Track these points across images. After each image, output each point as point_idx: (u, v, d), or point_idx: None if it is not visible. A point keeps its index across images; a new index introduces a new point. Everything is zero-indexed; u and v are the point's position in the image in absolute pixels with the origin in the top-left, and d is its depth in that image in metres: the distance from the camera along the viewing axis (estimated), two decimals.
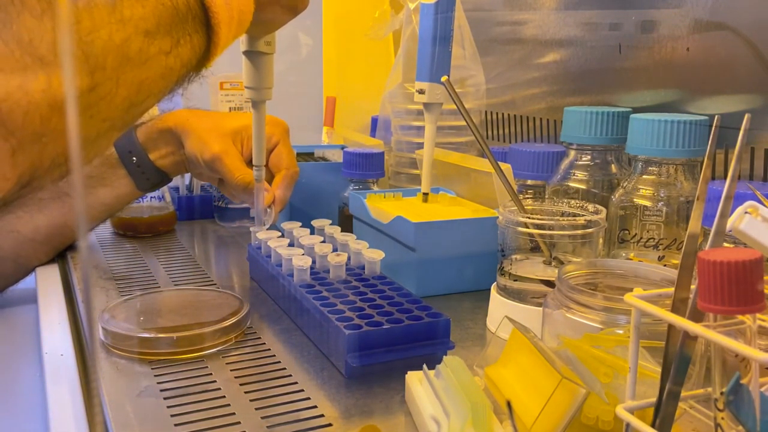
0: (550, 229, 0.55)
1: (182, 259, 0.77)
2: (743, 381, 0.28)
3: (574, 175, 0.67)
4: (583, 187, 0.66)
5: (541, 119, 0.87)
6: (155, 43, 0.39)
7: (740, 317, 0.29)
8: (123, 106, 0.38)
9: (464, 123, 0.64)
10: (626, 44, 0.72)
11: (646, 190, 0.58)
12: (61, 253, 0.76)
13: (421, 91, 0.72)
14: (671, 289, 0.32)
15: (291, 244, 0.64)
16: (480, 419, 0.37)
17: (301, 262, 0.57)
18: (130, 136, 0.75)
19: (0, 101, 0.32)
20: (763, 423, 0.27)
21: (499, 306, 0.57)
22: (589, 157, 0.67)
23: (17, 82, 0.33)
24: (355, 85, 1.33)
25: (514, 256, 0.57)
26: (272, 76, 0.63)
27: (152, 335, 0.52)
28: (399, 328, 0.49)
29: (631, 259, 0.59)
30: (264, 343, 0.55)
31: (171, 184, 0.82)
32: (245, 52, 0.61)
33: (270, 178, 0.75)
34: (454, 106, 0.64)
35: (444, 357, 0.43)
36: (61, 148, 0.36)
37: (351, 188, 0.81)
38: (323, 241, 0.63)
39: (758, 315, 0.30)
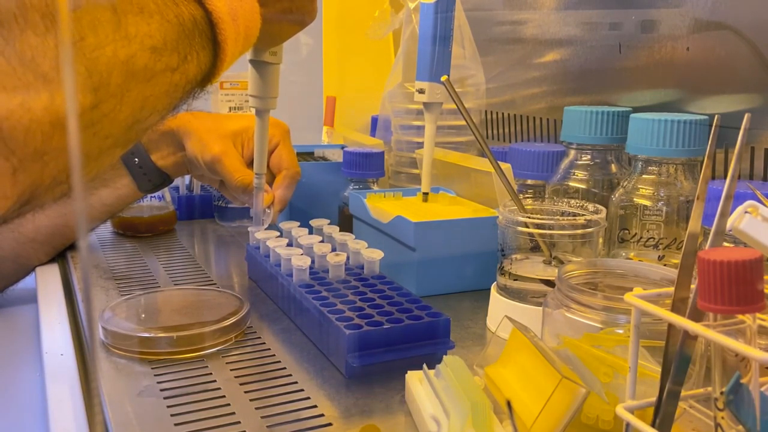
0: (550, 229, 0.55)
1: (182, 258, 0.77)
2: (743, 380, 0.28)
3: (574, 174, 0.67)
4: (583, 186, 0.66)
5: (541, 119, 0.87)
6: (162, 59, 0.38)
7: (740, 317, 0.29)
8: (126, 123, 0.38)
9: (464, 122, 0.64)
10: (626, 44, 0.72)
11: (646, 189, 0.58)
12: (61, 253, 0.76)
13: (421, 91, 0.72)
14: (671, 289, 0.32)
15: (290, 244, 0.64)
16: (480, 419, 0.37)
17: (300, 261, 0.57)
18: None
19: (1, 119, 0.32)
20: (763, 423, 0.27)
21: (499, 306, 0.57)
22: (589, 156, 0.66)
23: (19, 100, 0.32)
24: (355, 85, 1.33)
25: (514, 256, 0.57)
26: (277, 86, 0.62)
27: (152, 335, 0.52)
28: (399, 328, 0.49)
29: (631, 259, 0.59)
30: (264, 343, 0.55)
31: (171, 184, 0.82)
32: (251, 62, 0.61)
33: (271, 179, 0.75)
34: (454, 106, 0.64)
35: (444, 357, 0.43)
36: (63, 166, 0.35)
37: (351, 188, 0.81)
38: (322, 241, 0.63)
39: (758, 315, 0.30)
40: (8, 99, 0.32)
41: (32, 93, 0.33)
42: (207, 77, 0.43)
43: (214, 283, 0.69)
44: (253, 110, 0.64)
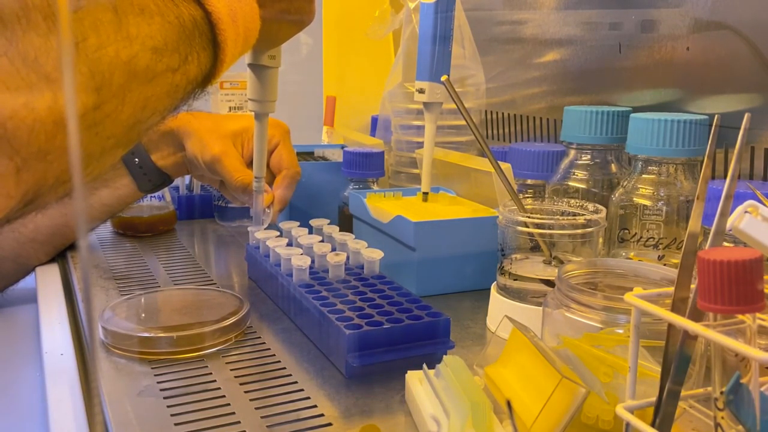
0: (550, 229, 0.55)
1: (182, 258, 0.77)
2: (743, 380, 0.28)
3: (574, 174, 0.67)
4: (583, 186, 0.66)
5: (541, 119, 0.87)
6: (163, 60, 0.39)
7: (740, 317, 0.29)
8: (128, 123, 0.38)
9: (464, 122, 0.64)
10: (626, 44, 0.72)
11: (646, 189, 0.58)
12: (61, 253, 0.76)
13: (421, 91, 0.72)
14: (671, 289, 0.32)
15: (290, 244, 0.64)
16: (480, 419, 0.37)
17: (300, 261, 0.57)
18: None
19: (5, 119, 0.32)
20: (763, 423, 0.27)
21: (499, 305, 0.57)
22: (589, 156, 0.66)
23: (23, 99, 0.33)
24: (355, 85, 1.33)
25: (514, 256, 0.57)
26: (276, 89, 0.62)
27: (152, 335, 0.52)
28: (399, 328, 0.49)
29: (631, 259, 0.59)
30: (264, 343, 0.55)
31: (171, 184, 0.82)
32: (249, 66, 0.61)
33: (271, 179, 0.75)
34: (454, 106, 0.64)
35: (444, 356, 0.43)
36: (66, 165, 0.35)
37: (351, 188, 0.81)
38: (322, 241, 0.63)
39: (758, 314, 0.30)
40: (12, 99, 0.32)
41: (36, 93, 0.33)
42: (207, 78, 0.43)
43: (214, 283, 0.69)
44: (253, 112, 0.64)
